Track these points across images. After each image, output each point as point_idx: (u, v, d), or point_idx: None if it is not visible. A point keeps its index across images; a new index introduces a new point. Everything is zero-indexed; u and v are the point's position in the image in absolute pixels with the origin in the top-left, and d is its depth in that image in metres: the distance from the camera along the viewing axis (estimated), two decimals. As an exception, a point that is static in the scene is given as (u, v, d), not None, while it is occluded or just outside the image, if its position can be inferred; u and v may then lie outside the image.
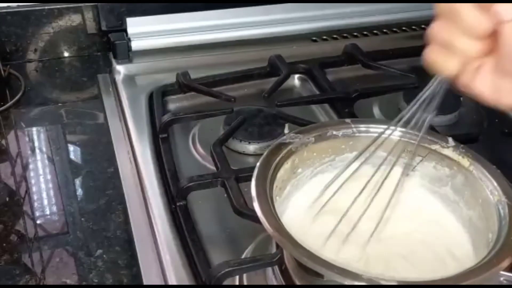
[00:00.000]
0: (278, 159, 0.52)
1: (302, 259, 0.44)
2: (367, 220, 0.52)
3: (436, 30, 0.45)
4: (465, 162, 0.54)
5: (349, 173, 0.56)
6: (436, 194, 0.57)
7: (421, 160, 0.57)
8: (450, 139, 0.56)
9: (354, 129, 0.57)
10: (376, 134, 0.56)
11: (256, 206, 0.48)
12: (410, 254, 0.52)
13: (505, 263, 0.45)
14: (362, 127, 0.57)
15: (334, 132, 0.56)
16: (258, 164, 0.52)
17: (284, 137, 0.55)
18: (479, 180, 0.53)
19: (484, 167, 0.53)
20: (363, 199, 0.53)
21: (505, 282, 0.45)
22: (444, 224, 0.55)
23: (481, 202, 0.52)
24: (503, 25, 0.41)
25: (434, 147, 0.56)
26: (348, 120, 0.58)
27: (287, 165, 0.53)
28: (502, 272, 0.45)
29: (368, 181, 0.53)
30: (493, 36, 0.43)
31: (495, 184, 0.52)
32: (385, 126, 0.56)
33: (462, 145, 0.56)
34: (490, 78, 0.45)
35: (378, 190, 0.53)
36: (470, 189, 0.54)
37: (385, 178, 0.53)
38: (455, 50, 0.44)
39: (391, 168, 0.54)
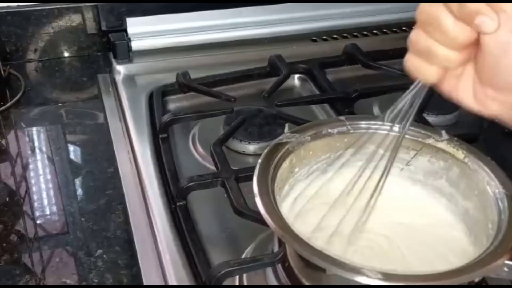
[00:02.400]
0: (276, 159, 0.53)
1: (309, 257, 0.44)
2: (356, 213, 0.52)
3: (416, 38, 0.44)
4: (460, 154, 0.55)
5: (341, 168, 0.56)
6: (429, 188, 0.57)
7: (415, 154, 0.57)
8: (443, 132, 0.56)
9: (349, 126, 0.57)
10: (370, 130, 0.56)
11: (258, 201, 0.48)
12: (406, 248, 0.52)
13: (509, 253, 0.45)
14: (356, 124, 0.57)
15: (329, 130, 0.57)
16: (258, 162, 0.52)
17: (281, 136, 0.55)
18: (475, 172, 0.53)
19: (479, 159, 0.54)
20: (354, 193, 0.53)
21: (506, 271, 0.45)
22: (438, 219, 0.56)
23: (478, 193, 0.53)
24: (484, 37, 0.41)
25: (428, 141, 0.56)
26: (342, 118, 0.58)
27: (285, 165, 0.54)
28: (506, 262, 0.45)
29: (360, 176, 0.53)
30: (475, 45, 0.43)
31: (492, 175, 0.52)
32: (379, 122, 0.56)
33: (455, 138, 0.56)
34: (472, 86, 0.45)
35: (366, 184, 0.53)
36: (466, 181, 0.54)
37: (378, 174, 0.54)
38: (435, 59, 0.44)
39: (384, 163, 0.55)
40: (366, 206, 0.52)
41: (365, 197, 0.53)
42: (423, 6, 0.43)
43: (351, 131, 0.57)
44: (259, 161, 0.52)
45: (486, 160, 0.54)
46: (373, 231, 0.54)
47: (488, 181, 0.52)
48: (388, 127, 0.56)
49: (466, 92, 0.46)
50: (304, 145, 0.55)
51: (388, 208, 0.55)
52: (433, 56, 0.44)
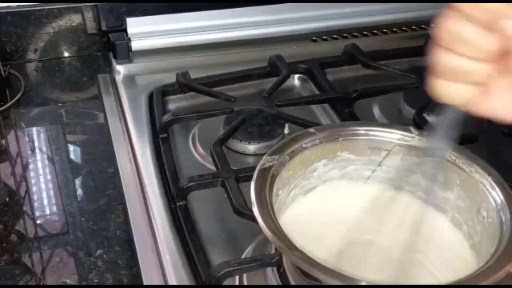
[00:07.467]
0: (267, 188, 0.51)
1: (305, 267, 0.44)
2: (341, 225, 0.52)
3: (441, 58, 0.41)
4: None
5: (320, 180, 0.56)
6: (405, 185, 0.57)
7: (387, 155, 0.57)
8: (412, 129, 0.56)
9: (321, 138, 0.57)
10: (341, 139, 0.56)
11: (255, 210, 0.48)
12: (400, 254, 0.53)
13: None
14: (327, 134, 0.57)
15: (304, 145, 0.56)
16: (252, 195, 0.50)
17: (262, 161, 0.53)
18: (453, 163, 0.53)
19: (455, 150, 0.54)
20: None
21: None
22: (423, 216, 0.56)
23: (460, 182, 0.53)
24: None
25: (398, 139, 0.56)
26: (312, 130, 0.57)
27: (274, 191, 0.52)
28: None
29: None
30: (503, 55, 0.40)
31: (472, 163, 0.52)
32: (348, 129, 0.56)
33: (425, 132, 0.56)
34: (507, 96, 0.42)
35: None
36: (443, 173, 0.54)
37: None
38: (466, 75, 0.41)
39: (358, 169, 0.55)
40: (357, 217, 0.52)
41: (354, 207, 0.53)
42: (441, 24, 0.41)
43: (324, 143, 0.56)
44: (252, 193, 0.50)
45: (462, 150, 0.54)
46: (364, 239, 0.54)
47: (469, 169, 0.52)
48: (360, 132, 0.56)
49: (506, 107, 0.43)
50: (285, 165, 0.54)
51: (376, 215, 0.55)
52: (464, 72, 0.41)
